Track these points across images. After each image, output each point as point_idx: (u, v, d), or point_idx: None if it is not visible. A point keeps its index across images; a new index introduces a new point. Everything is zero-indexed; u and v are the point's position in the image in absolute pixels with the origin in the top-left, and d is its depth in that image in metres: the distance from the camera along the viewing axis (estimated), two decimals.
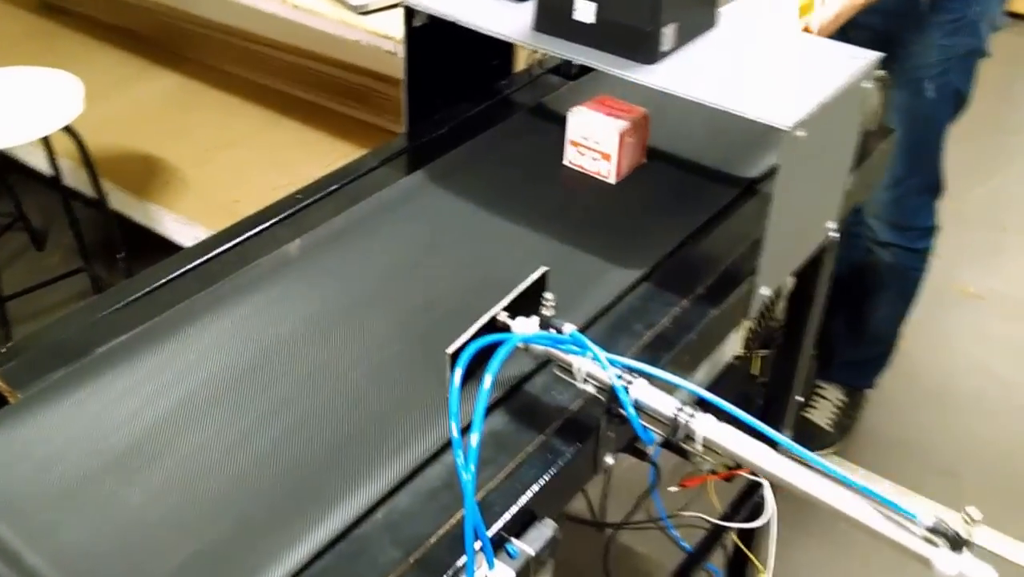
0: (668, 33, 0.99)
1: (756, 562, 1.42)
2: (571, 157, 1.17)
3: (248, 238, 1.06)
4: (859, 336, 1.99)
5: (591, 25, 1.01)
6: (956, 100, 1.66)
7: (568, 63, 1.34)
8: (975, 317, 2.43)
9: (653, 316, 0.93)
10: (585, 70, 1.34)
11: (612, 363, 0.77)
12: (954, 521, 0.67)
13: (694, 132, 1.24)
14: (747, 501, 1.40)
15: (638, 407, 0.76)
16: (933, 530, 0.66)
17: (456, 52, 1.21)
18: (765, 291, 1.02)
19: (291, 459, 0.78)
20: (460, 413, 0.69)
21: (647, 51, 0.99)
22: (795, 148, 0.91)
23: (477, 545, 0.68)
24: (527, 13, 1.08)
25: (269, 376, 0.86)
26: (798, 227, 1.03)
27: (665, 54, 1.00)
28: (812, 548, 1.80)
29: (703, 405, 0.77)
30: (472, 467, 0.66)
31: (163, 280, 0.98)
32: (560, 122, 1.17)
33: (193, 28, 2.82)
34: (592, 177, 1.16)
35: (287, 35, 2.69)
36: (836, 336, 1.99)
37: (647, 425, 0.77)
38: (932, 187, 1.80)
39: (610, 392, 0.77)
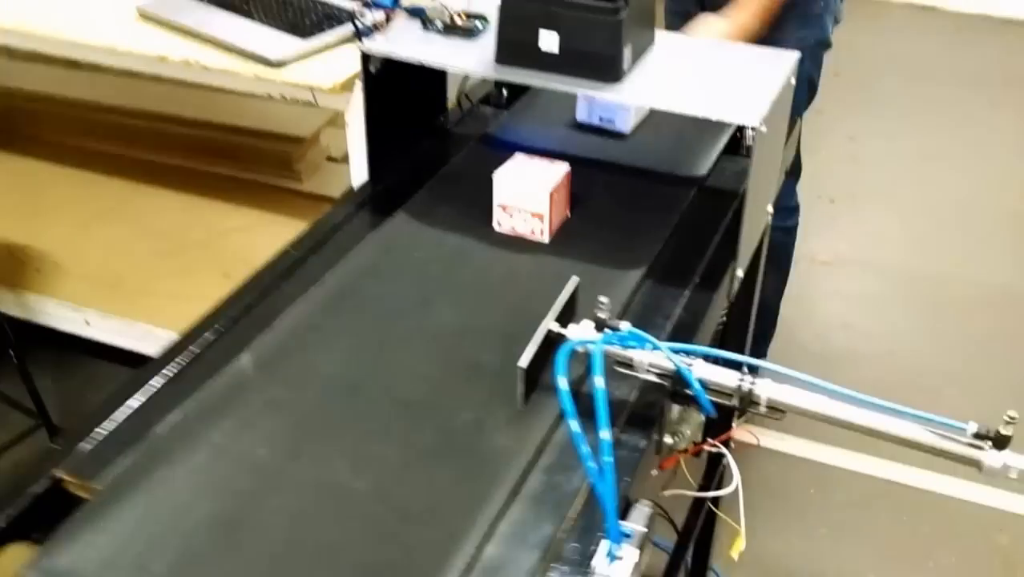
0: (627, 54, 1.08)
1: (733, 523, 1.53)
2: (499, 219, 1.16)
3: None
4: None
5: (555, 54, 1.08)
6: (809, 88, 1.86)
7: (499, 93, 1.41)
8: (829, 281, 2.69)
9: (667, 309, 1.01)
10: (516, 98, 1.41)
11: (673, 351, 0.85)
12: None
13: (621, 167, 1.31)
14: (712, 474, 1.51)
15: (703, 384, 0.84)
16: (977, 436, 0.78)
17: (402, 94, 1.25)
18: (740, 272, 1.12)
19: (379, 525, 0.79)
20: (576, 410, 0.74)
21: (611, 72, 1.07)
22: (761, 143, 1.02)
23: None
24: (481, 49, 1.14)
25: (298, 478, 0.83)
26: (757, 213, 1.15)
27: (625, 73, 1.09)
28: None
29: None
30: (609, 458, 0.71)
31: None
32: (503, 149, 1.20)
33: (31, 106, 2.67)
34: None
35: (138, 102, 2.60)
36: None
37: (712, 399, 0.85)
38: (794, 170, 1.99)
39: (674, 376, 0.85)
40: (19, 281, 2.19)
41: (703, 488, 1.56)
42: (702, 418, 1.02)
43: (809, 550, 1.95)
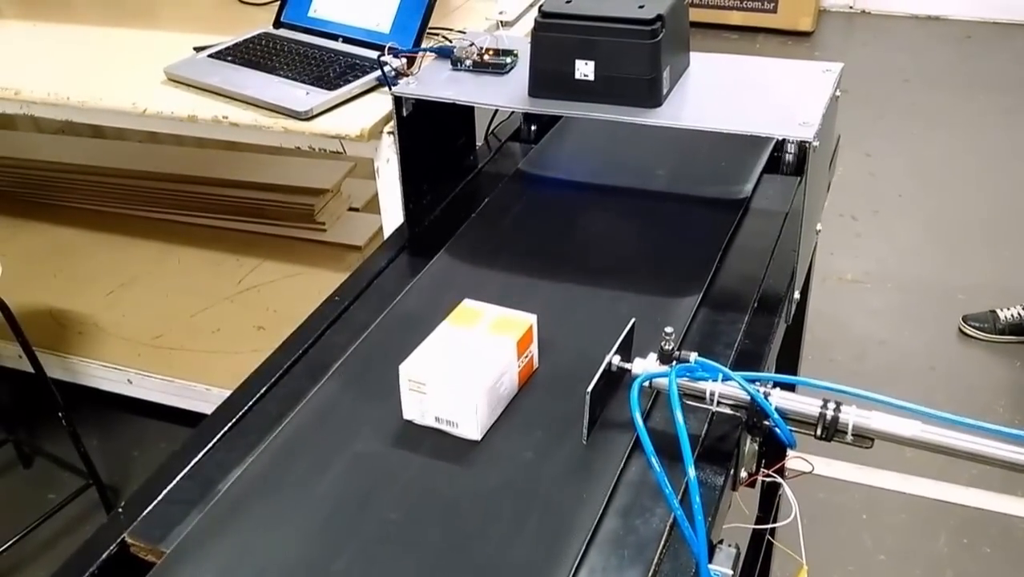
0: (666, 77, 1.03)
1: (793, 555, 1.45)
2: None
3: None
4: None
5: (591, 82, 1.03)
6: None
7: (528, 128, 1.36)
8: (859, 298, 2.61)
9: (728, 336, 0.94)
10: (544, 131, 1.36)
11: (746, 380, 0.78)
12: None
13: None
14: (767, 505, 1.43)
15: (782, 414, 0.77)
16: None
17: (433, 136, 1.20)
18: (796, 295, 1.06)
19: None
20: (654, 446, 0.68)
21: (651, 96, 1.02)
22: (815, 159, 0.96)
23: None
24: (513, 84, 1.10)
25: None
26: (809, 232, 1.08)
27: (665, 97, 1.04)
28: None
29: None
30: (698, 499, 0.64)
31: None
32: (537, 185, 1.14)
33: (62, 177, 2.66)
34: None
35: (162, 166, 2.59)
36: None
37: (793, 429, 0.78)
38: None
39: (751, 407, 0.78)
40: (63, 345, 2.17)
41: (759, 520, 1.48)
42: (755, 447, 0.95)
43: None
